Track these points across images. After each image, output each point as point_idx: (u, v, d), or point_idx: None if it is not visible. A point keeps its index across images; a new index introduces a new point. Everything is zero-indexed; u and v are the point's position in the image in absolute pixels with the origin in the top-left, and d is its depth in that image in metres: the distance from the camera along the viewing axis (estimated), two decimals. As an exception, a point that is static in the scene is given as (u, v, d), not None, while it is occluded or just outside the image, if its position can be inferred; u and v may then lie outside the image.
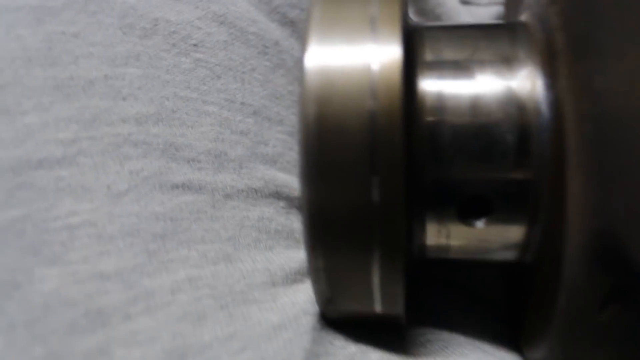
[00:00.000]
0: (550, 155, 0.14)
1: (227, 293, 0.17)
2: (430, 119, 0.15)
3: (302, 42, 0.14)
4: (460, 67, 0.15)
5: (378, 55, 0.14)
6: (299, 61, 0.14)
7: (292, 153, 0.21)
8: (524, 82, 0.15)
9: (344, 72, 0.14)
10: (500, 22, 0.17)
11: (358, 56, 0.14)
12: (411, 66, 0.15)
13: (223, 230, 0.18)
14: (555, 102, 0.14)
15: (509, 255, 0.16)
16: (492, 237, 0.15)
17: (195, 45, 0.21)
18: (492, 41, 0.16)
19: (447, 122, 0.15)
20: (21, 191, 0.17)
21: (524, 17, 0.17)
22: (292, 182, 0.20)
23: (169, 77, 0.20)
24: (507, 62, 0.15)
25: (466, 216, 0.15)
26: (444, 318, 0.19)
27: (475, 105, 0.15)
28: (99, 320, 0.16)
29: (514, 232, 0.15)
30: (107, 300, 0.16)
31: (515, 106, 0.15)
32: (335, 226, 0.14)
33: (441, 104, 0.15)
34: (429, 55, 0.16)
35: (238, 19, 0.22)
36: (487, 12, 0.30)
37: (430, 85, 0.15)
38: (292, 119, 0.22)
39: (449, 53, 0.15)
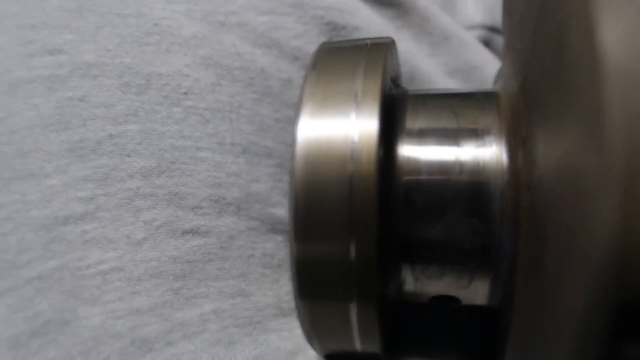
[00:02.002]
0: (508, 224, 0.16)
1: (248, 323, 0.20)
2: (405, 182, 0.17)
3: (295, 115, 0.17)
4: (435, 135, 0.17)
5: (358, 127, 0.16)
6: (293, 124, 0.16)
7: (281, 185, 0.23)
8: (491, 151, 0.17)
9: (329, 142, 0.16)
10: (477, 90, 0.19)
11: (341, 128, 0.16)
12: (392, 134, 0.17)
13: (234, 269, 0.21)
14: (514, 173, 0.16)
15: (480, 302, 0.18)
16: (458, 292, 0.17)
17: (185, 93, 0.22)
18: (466, 110, 0.17)
19: (420, 185, 0.17)
20: (54, 245, 0.19)
21: (498, 85, 0.19)
22: (284, 216, 0.22)
23: (165, 129, 0.21)
24: (476, 132, 0.17)
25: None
26: (426, 352, 0.21)
27: (444, 171, 0.17)
28: (145, 347, 0.19)
29: (481, 287, 0.17)
30: (148, 331, 0.19)
31: (482, 175, 0.16)
32: (319, 279, 0.16)
33: (416, 168, 0.17)
34: (408, 123, 0.18)
35: (223, 58, 0.23)
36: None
37: (407, 151, 0.17)
38: (280, 149, 0.23)
39: (427, 121, 0.17)
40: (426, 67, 0.27)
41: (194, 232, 0.20)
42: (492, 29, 0.35)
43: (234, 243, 0.21)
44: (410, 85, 0.25)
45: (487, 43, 0.35)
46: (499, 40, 0.35)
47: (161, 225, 0.20)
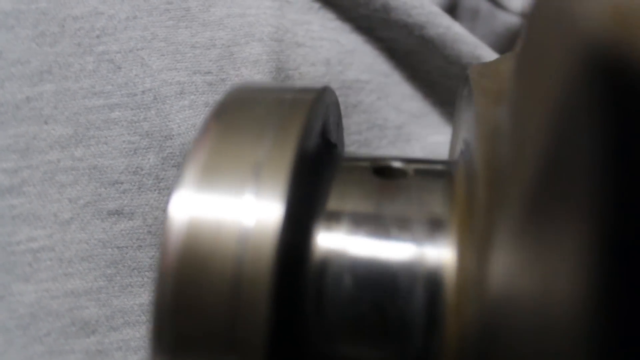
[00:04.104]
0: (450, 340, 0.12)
1: None
2: (318, 287, 0.12)
3: (174, 182, 0.12)
4: (363, 222, 0.13)
5: (254, 210, 0.12)
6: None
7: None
8: (435, 248, 0.12)
9: (213, 225, 0.12)
10: (429, 162, 0.15)
11: (232, 210, 0.12)
12: (307, 217, 0.13)
13: None
14: (462, 287, 0.12)
15: None
16: None
17: (98, 36, 0.21)
18: (405, 192, 0.13)
19: (339, 291, 0.12)
20: None
21: (458, 155, 0.15)
22: None
23: (77, 86, 0.21)
24: (421, 215, 0.13)
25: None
26: None
27: (373, 267, 0.12)
28: (88, 329, 0.19)
29: None
30: (88, 314, 0.19)
31: (422, 272, 0.12)
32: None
33: (332, 266, 0.12)
34: (331, 205, 0.13)
35: None
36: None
37: (324, 242, 0.13)
38: (194, 82, 0.21)
39: (353, 204, 0.13)
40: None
41: (118, 213, 0.20)
42: None
43: (160, 227, 0.20)
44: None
45: (455, 2, 0.32)
46: (470, 0, 0.32)
47: (86, 204, 0.20)
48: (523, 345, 0.09)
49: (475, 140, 0.12)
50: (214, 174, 0.12)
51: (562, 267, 0.08)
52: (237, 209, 0.12)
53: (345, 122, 0.24)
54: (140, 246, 0.20)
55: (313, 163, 0.13)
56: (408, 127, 0.26)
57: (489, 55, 0.27)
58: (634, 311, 0.07)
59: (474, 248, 0.12)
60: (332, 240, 0.13)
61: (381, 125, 0.25)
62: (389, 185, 0.13)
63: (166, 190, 0.21)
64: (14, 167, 0.20)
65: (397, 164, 0.14)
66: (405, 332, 0.12)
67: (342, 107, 0.24)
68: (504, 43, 0.32)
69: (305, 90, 0.14)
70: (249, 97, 0.14)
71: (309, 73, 0.24)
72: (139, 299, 0.20)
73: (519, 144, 0.10)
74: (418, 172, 0.14)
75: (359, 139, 0.24)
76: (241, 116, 0.13)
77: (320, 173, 0.14)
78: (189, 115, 0.21)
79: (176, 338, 0.11)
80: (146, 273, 0.20)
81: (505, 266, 0.10)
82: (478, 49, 0.26)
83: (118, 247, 0.20)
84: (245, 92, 0.14)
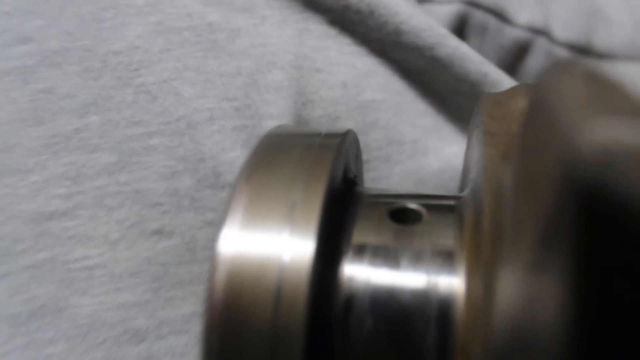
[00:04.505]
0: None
1: None
2: (345, 311, 0.14)
3: (219, 224, 0.14)
4: (384, 255, 0.15)
5: (291, 247, 0.14)
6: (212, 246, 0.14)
7: (228, 153, 0.23)
8: (446, 278, 0.14)
9: (254, 264, 0.14)
10: (441, 198, 0.17)
11: (270, 247, 0.14)
12: (334, 251, 0.15)
13: (203, 273, 0.22)
14: (472, 311, 0.13)
15: None
16: None
17: (136, 69, 0.23)
18: (420, 227, 0.15)
19: (362, 314, 0.14)
20: (43, 238, 0.21)
21: (466, 192, 0.17)
22: None
23: (119, 117, 0.23)
24: (432, 252, 0.15)
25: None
26: None
27: (392, 300, 0.14)
28: (138, 337, 0.20)
29: None
30: (138, 324, 0.21)
31: (434, 306, 0.14)
32: None
33: (359, 292, 0.14)
34: (356, 238, 0.15)
35: (174, 21, 0.24)
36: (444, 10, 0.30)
37: (350, 271, 0.15)
38: (222, 109, 0.23)
39: (374, 238, 0.15)
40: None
41: (160, 232, 0.22)
42: (471, 4, 0.33)
43: (197, 244, 0.22)
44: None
45: (464, 19, 0.33)
46: (478, 16, 0.33)
47: (131, 225, 0.22)
48: None
49: (483, 193, 0.13)
50: (255, 215, 0.14)
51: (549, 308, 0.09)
52: (275, 246, 0.14)
53: (365, 138, 0.26)
54: (180, 262, 0.22)
55: (337, 202, 0.15)
56: (424, 141, 0.27)
57: (495, 72, 0.28)
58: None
59: (480, 283, 0.13)
60: (357, 271, 0.15)
61: (399, 140, 0.27)
62: (405, 228, 0.15)
63: (201, 210, 0.22)
64: (67, 192, 0.22)
65: (412, 206, 0.16)
66: (423, 355, 0.14)
67: (361, 125, 0.26)
68: (511, 56, 0.34)
69: (330, 136, 0.16)
70: (282, 143, 0.16)
71: (328, 96, 0.25)
72: (181, 311, 0.21)
73: (517, 221, 0.11)
74: (431, 209, 0.16)
75: (380, 155, 0.26)
76: (276, 162, 0.15)
77: (343, 212, 0.16)
78: (218, 139, 0.23)
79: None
80: (187, 287, 0.22)
81: (509, 301, 0.12)
82: (485, 67, 0.28)
83: (161, 264, 0.21)
84: (278, 139, 0.16)
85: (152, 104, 0.23)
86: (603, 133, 0.08)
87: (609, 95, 0.09)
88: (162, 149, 0.23)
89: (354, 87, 0.26)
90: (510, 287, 0.12)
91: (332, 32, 0.27)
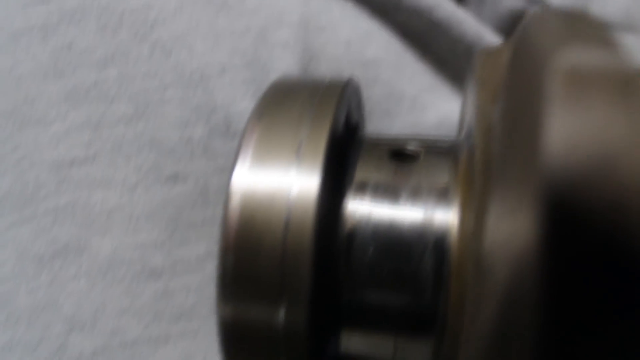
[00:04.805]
0: (453, 288, 0.15)
1: None
2: (347, 241, 0.16)
3: (232, 163, 0.15)
4: (385, 191, 0.16)
5: (297, 183, 0.15)
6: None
7: (239, 103, 0.24)
8: (442, 211, 0.15)
9: (264, 198, 0.15)
10: (438, 140, 0.18)
11: (279, 183, 0.15)
12: (339, 187, 0.16)
13: (215, 216, 0.23)
14: (464, 240, 0.15)
15: None
16: (399, 358, 0.16)
17: (151, 26, 0.24)
18: (418, 166, 0.16)
19: (363, 245, 0.15)
20: (65, 183, 0.23)
21: (462, 135, 0.18)
22: None
23: (136, 70, 0.24)
24: (429, 187, 0.16)
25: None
26: None
27: (392, 230, 0.15)
28: (156, 274, 0.22)
29: (420, 351, 0.16)
30: (155, 262, 0.22)
31: (428, 236, 0.15)
32: (246, 343, 0.15)
33: (359, 226, 0.16)
34: (358, 176, 0.16)
35: None
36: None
37: (353, 207, 0.16)
38: (233, 63, 0.25)
39: (375, 176, 0.16)
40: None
41: (174, 177, 0.23)
42: None
43: (210, 189, 0.23)
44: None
45: None
46: None
47: (148, 170, 0.23)
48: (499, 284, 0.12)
49: (475, 131, 0.15)
50: (264, 152, 0.15)
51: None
52: (284, 182, 0.15)
53: (367, 93, 0.27)
54: (194, 206, 0.23)
55: (340, 144, 0.17)
56: (422, 98, 0.28)
57: (490, 36, 0.29)
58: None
59: (472, 215, 0.15)
60: (359, 206, 0.16)
61: (398, 96, 0.28)
62: (404, 167, 0.16)
63: (213, 157, 0.24)
64: (88, 140, 0.23)
65: (410, 147, 0.17)
66: (418, 288, 0.15)
67: (363, 81, 0.27)
68: (508, 24, 0.34)
69: (333, 83, 0.17)
70: (289, 90, 0.17)
71: (332, 53, 0.27)
72: (195, 251, 0.23)
73: (503, 154, 0.13)
74: (428, 151, 0.17)
75: (381, 108, 0.27)
76: (283, 106, 0.16)
77: (346, 153, 0.17)
78: (229, 91, 0.24)
79: (237, 284, 0.15)
80: (200, 229, 0.23)
81: (493, 223, 0.13)
82: (481, 31, 0.29)
83: (176, 207, 0.23)
84: (285, 86, 0.17)
85: (167, 58, 0.24)
86: (570, 58, 0.09)
87: (580, 28, 0.10)
88: (176, 100, 0.24)
89: (356, 45, 0.27)
90: (497, 216, 0.13)
91: None
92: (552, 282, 0.10)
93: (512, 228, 0.12)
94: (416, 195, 0.16)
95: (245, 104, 0.24)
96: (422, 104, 0.28)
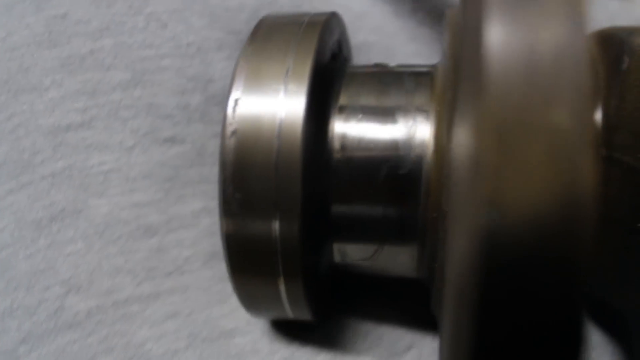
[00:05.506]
0: (431, 195, 0.16)
1: None
2: (335, 159, 0.17)
3: (228, 90, 0.17)
4: (366, 111, 0.17)
5: (285, 105, 0.16)
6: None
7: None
8: (417, 128, 0.17)
9: (257, 119, 0.16)
10: (416, 67, 0.19)
11: (270, 106, 0.16)
12: (325, 110, 0.17)
13: (211, 175, 0.23)
14: (439, 153, 0.16)
15: (408, 274, 0.18)
16: (386, 262, 0.18)
17: (146, 0, 0.25)
18: (399, 88, 0.18)
19: (347, 161, 0.17)
20: (62, 148, 0.23)
21: (439, 61, 0.19)
22: None
23: (132, 40, 0.24)
24: (407, 108, 0.17)
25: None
26: (373, 312, 0.22)
27: (371, 148, 0.17)
28: (150, 232, 0.23)
29: (406, 259, 0.17)
30: (150, 220, 0.23)
31: (409, 150, 0.17)
32: (247, 254, 0.17)
33: (344, 145, 0.17)
34: (341, 100, 0.18)
35: None
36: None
37: (338, 127, 0.17)
38: (229, 40, 0.26)
39: (359, 98, 0.18)
40: None
41: (172, 140, 0.24)
42: None
43: (206, 150, 0.24)
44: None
45: None
46: None
47: (145, 133, 0.24)
48: (459, 185, 0.13)
49: (447, 53, 0.16)
50: (255, 80, 0.17)
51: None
52: (273, 104, 0.16)
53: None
54: (191, 165, 0.24)
55: (327, 70, 0.18)
56: None
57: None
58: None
59: (444, 126, 0.16)
60: (345, 126, 0.17)
61: None
62: (386, 78, 0.18)
63: (210, 123, 0.24)
64: (84, 106, 0.23)
65: (392, 65, 0.18)
66: (400, 198, 0.17)
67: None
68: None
69: (317, 15, 0.19)
70: (276, 23, 0.18)
71: None
72: (191, 207, 0.23)
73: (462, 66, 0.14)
74: (410, 72, 0.18)
75: None
76: (270, 38, 0.18)
77: (333, 77, 0.18)
78: (227, 64, 0.25)
79: (236, 201, 0.16)
80: (196, 186, 0.23)
81: (456, 136, 0.14)
82: None
83: (173, 167, 0.23)
84: (272, 20, 0.19)
85: (163, 30, 0.25)
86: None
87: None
88: (173, 69, 0.24)
89: (350, 28, 0.27)
90: (460, 128, 0.14)
91: None
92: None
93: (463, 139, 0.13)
94: (398, 113, 0.17)
95: None
96: None
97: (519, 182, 0.11)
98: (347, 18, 0.27)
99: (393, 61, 0.28)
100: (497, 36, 0.11)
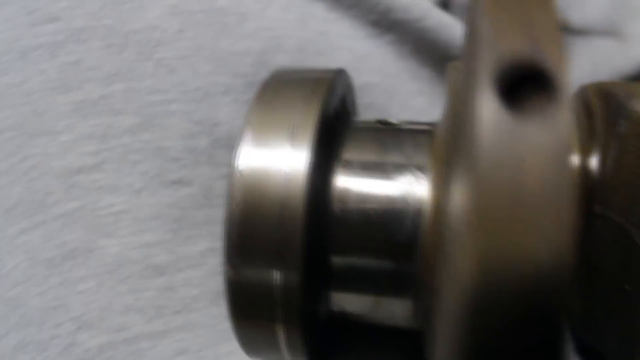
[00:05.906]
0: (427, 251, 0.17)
1: None
2: (335, 210, 0.18)
3: (236, 143, 0.18)
4: (368, 168, 0.18)
5: (291, 159, 0.17)
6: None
7: (242, 120, 0.25)
8: (415, 186, 0.18)
9: (264, 172, 0.17)
10: (416, 125, 0.20)
11: (276, 159, 0.17)
12: (328, 164, 0.18)
13: (218, 216, 0.23)
14: (437, 210, 0.17)
15: (405, 324, 0.19)
16: (383, 313, 0.18)
17: (155, 46, 0.26)
18: (399, 146, 0.18)
19: (348, 215, 0.18)
20: (73, 190, 0.24)
21: (440, 121, 0.20)
22: None
23: (141, 86, 0.25)
24: (407, 167, 0.18)
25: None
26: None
27: (375, 203, 0.18)
28: (159, 271, 0.23)
29: (401, 310, 0.18)
30: (159, 260, 0.23)
31: (407, 206, 0.17)
32: (248, 301, 0.17)
33: (346, 197, 0.18)
34: (346, 155, 0.19)
35: (187, 4, 0.27)
36: None
37: (341, 181, 0.18)
38: (236, 84, 0.26)
39: (362, 154, 0.18)
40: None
41: (180, 182, 0.25)
42: None
43: (213, 192, 0.25)
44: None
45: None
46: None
47: (154, 176, 0.24)
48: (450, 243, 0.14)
49: (447, 109, 0.17)
50: (263, 135, 0.18)
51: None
52: (280, 159, 0.17)
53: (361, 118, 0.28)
54: (198, 206, 0.24)
55: (332, 126, 0.19)
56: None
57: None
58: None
59: (441, 186, 0.17)
60: (346, 180, 0.18)
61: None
62: (388, 135, 0.18)
63: (217, 165, 0.25)
64: (95, 149, 0.24)
65: (394, 121, 0.19)
66: (397, 254, 0.17)
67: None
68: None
69: (324, 72, 0.20)
70: (284, 79, 0.19)
71: None
72: (198, 247, 0.24)
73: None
74: (410, 129, 0.19)
75: None
76: (279, 93, 0.19)
77: (337, 133, 0.19)
78: (233, 108, 0.26)
79: (241, 249, 0.17)
80: (204, 227, 0.24)
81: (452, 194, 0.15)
82: None
83: (181, 208, 0.24)
84: (281, 76, 0.20)
85: (171, 75, 0.26)
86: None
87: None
88: (180, 114, 0.25)
89: (351, 71, 0.28)
90: (457, 187, 0.15)
91: (331, 16, 0.29)
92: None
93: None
94: (397, 171, 0.18)
95: None
96: None
97: (508, 246, 0.11)
98: (350, 60, 0.29)
99: (395, 101, 0.29)
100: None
